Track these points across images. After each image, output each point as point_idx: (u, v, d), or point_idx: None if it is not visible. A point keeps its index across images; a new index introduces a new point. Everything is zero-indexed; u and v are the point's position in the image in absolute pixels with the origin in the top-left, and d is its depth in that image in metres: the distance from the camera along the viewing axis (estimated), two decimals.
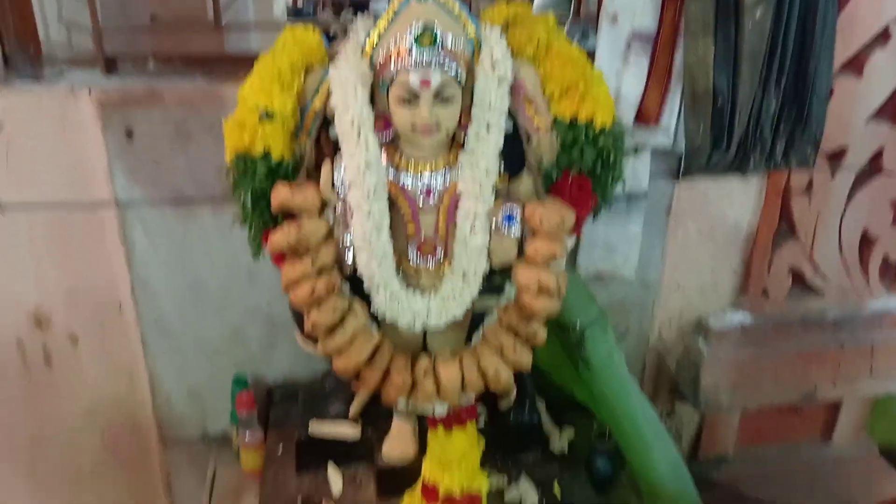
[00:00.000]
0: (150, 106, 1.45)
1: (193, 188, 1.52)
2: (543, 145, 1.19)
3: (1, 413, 1.71)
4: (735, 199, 1.70)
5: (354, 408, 1.50)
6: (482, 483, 1.35)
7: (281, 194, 1.14)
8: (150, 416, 1.76)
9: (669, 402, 1.97)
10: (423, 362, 1.24)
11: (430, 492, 1.35)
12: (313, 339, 1.24)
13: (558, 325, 1.53)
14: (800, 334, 1.81)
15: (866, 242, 1.80)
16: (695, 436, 2.02)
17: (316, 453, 1.50)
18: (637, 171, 1.57)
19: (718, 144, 1.52)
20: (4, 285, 1.57)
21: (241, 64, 1.19)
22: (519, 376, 1.54)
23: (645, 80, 1.48)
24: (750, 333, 1.80)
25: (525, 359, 1.24)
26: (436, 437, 1.34)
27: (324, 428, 1.51)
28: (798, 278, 1.81)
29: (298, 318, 1.35)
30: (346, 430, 1.50)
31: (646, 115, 1.50)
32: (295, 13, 3.08)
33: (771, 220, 1.71)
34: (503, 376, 1.24)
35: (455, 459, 1.33)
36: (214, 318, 1.66)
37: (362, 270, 1.17)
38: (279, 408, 1.70)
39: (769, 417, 1.95)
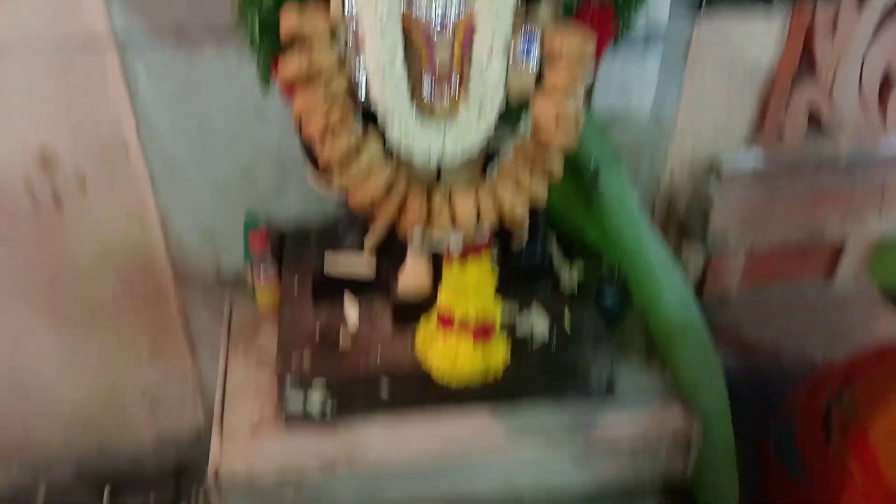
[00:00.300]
0: None
1: (197, 18, 1.44)
2: None
3: (17, 254, 1.73)
4: (757, 39, 1.63)
5: (369, 242, 1.51)
6: (496, 310, 1.38)
7: (290, 19, 1.08)
8: (164, 257, 1.78)
9: (677, 245, 1.99)
10: (440, 194, 1.23)
11: (445, 320, 1.38)
12: (326, 175, 1.23)
13: (572, 163, 1.51)
14: (812, 176, 1.79)
15: (887, 83, 1.75)
16: (700, 277, 2.06)
17: (332, 287, 1.53)
18: (657, 5, 1.50)
19: None
20: (7, 127, 1.54)
21: None
22: (531, 216, 1.56)
23: None
24: (762, 175, 1.79)
25: (541, 191, 1.23)
26: (450, 268, 1.35)
27: (339, 261, 1.52)
28: (814, 120, 1.78)
29: (310, 154, 1.33)
30: (361, 267, 1.52)
31: None
32: None
33: (792, 58, 1.65)
34: (518, 209, 1.24)
35: (470, 287, 1.35)
36: (223, 159, 1.64)
37: (375, 101, 1.13)
38: (292, 248, 1.71)
39: (774, 258, 1.98)
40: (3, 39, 1.44)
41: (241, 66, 1.16)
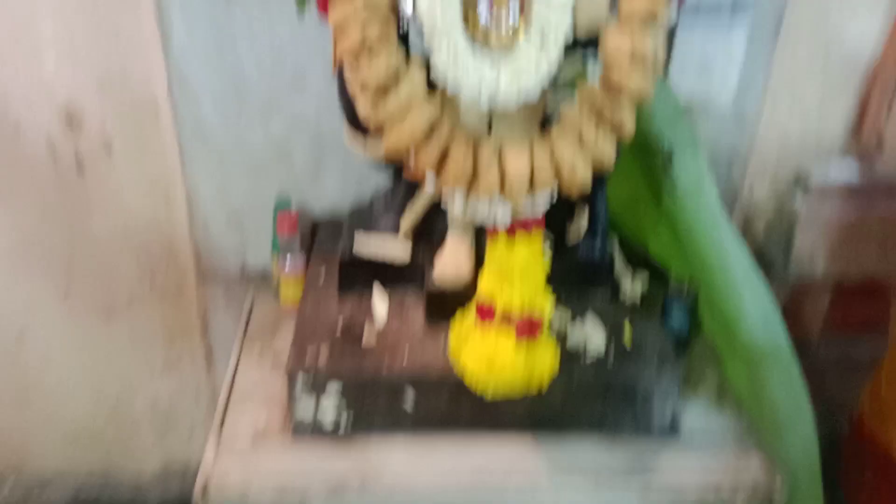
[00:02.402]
0: None
1: None
2: None
3: (34, 222, 1.61)
4: (859, 19, 1.45)
5: (406, 223, 1.34)
6: (546, 303, 1.18)
7: None
8: (188, 243, 1.65)
9: None
10: (488, 147, 1.06)
11: (485, 311, 1.18)
12: (360, 123, 1.08)
13: (642, 149, 1.34)
14: None
15: None
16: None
17: (360, 275, 1.36)
18: None
19: None
20: (33, 74, 1.44)
21: None
22: (592, 206, 1.38)
23: None
24: (857, 191, 1.58)
25: (608, 151, 1.05)
26: (495, 248, 1.16)
27: (371, 245, 1.36)
28: None
29: (349, 109, 1.19)
30: (395, 250, 1.35)
31: None
32: None
33: None
34: (580, 171, 1.06)
35: (516, 271, 1.16)
36: (258, 126, 1.51)
37: (422, 19, 0.99)
38: (323, 243, 1.55)
39: (866, 297, 1.74)
40: None
41: (280, 12, 1.03)
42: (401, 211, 1.36)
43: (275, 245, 1.52)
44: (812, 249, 1.61)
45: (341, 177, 1.56)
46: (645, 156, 1.34)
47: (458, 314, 1.24)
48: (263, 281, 1.65)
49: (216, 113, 1.49)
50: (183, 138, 1.51)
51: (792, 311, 1.79)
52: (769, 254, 1.68)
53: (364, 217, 1.44)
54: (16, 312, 1.72)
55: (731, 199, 1.65)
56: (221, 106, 1.48)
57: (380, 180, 1.44)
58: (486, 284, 1.19)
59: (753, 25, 1.41)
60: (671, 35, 1.41)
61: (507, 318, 1.16)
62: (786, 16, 1.44)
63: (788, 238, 1.61)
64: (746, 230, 1.70)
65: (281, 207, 1.53)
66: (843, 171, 1.58)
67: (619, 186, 1.41)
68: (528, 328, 1.15)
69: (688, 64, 1.43)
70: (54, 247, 1.64)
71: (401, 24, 1.01)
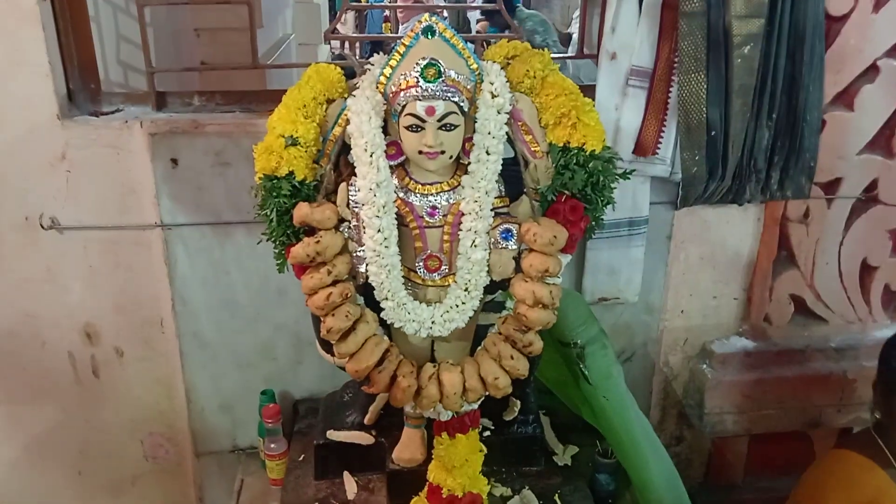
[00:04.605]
0: (193, 136, 1.62)
1: (231, 211, 1.68)
2: (540, 170, 1.31)
3: (55, 422, 1.86)
4: (734, 227, 1.79)
5: (370, 416, 1.61)
6: (482, 486, 1.45)
7: (302, 210, 1.27)
8: (186, 428, 1.90)
9: (679, 429, 2.03)
10: (429, 369, 1.36)
11: (434, 492, 1.45)
12: (329, 345, 1.36)
13: (561, 343, 1.63)
14: (803, 360, 1.86)
15: (867, 270, 1.86)
16: (706, 462, 2.08)
17: (333, 461, 1.61)
18: (637, 199, 1.68)
19: (714, 175, 1.63)
20: (61, 301, 1.73)
21: (275, 97, 1.33)
22: (523, 391, 1.66)
23: (643, 114, 1.60)
24: (754, 358, 1.86)
25: (522, 366, 1.34)
26: (441, 443, 1.44)
27: (340, 436, 1.62)
28: (801, 304, 1.88)
29: (318, 326, 1.48)
30: (361, 438, 1.61)
31: (644, 147, 1.61)
32: (338, 58, 3.29)
33: (770, 247, 1.79)
34: (501, 382, 1.34)
35: (458, 463, 1.43)
36: (247, 334, 1.80)
37: (372, 281, 1.30)
38: (302, 420, 1.83)
39: (778, 444, 1.99)
40: (67, 221, 1.66)
41: (265, 246, 1.33)
42: (367, 402, 1.63)
43: (261, 430, 1.77)
44: (722, 407, 1.86)
45: (317, 370, 1.84)
46: (563, 349, 1.62)
47: (416, 497, 1.49)
48: (251, 457, 1.89)
49: (212, 324, 1.78)
50: (183, 345, 1.79)
51: (717, 459, 2.06)
52: (689, 410, 1.95)
53: (337, 401, 1.71)
54: (38, 491, 1.94)
55: (650, 369, 1.94)
56: (216, 319, 1.78)
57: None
58: (434, 473, 1.46)
59: (649, 237, 1.73)
60: (581, 249, 1.73)
61: (451, 501, 1.43)
62: (674, 229, 1.77)
63: (701, 398, 1.87)
64: (668, 392, 1.97)
65: (266, 402, 1.78)
66: (740, 342, 1.87)
67: (548, 370, 1.69)
68: None
69: (598, 270, 1.75)
70: (71, 436, 1.88)
71: (358, 282, 1.31)
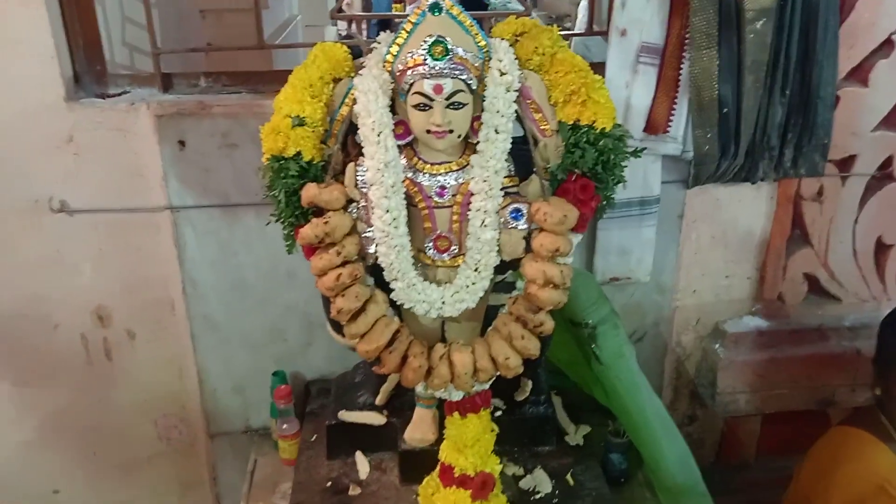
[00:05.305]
0: (200, 118, 1.61)
1: (238, 193, 1.68)
2: (550, 148, 1.29)
3: (67, 403, 1.88)
4: (747, 205, 1.77)
5: (381, 396, 1.61)
6: (494, 465, 1.44)
7: (310, 191, 1.26)
8: (199, 409, 1.91)
9: (691, 408, 2.02)
10: (439, 349, 1.35)
11: (446, 472, 1.45)
12: (339, 326, 1.36)
13: (573, 324, 1.62)
14: (817, 340, 1.85)
15: (882, 249, 1.84)
16: (718, 442, 2.07)
17: (345, 441, 1.62)
18: (649, 177, 1.66)
19: (726, 153, 1.60)
20: (71, 283, 1.74)
21: (281, 78, 1.32)
22: (534, 371, 1.65)
23: (653, 91, 1.58)
24: (767, 338, 1.85)
25: (533, 347, 1.34)
26: (452, 423, 1.44)
27: (352, 416, 1.62)
28: (814, 283, 1.86)
29: (328, 307, 1.47)
30: (373, 420, 1.61)
31: (655, 125, 1.59)
32: (346, 38, 3.27)
33: (783, 225, 1.77)
34: (512, 362, 1.34)
35: (469, 443, 1.43)
36: (257, 315, 1.80)
37: (382, 262, 1.29)
38: (314, 401, 1.84)
39: (790, 423, 1.98)
40: (77, 204, 1.67)
41: (272, 226, 1.33)
42: (378, 382, 1.63)
43: (273, 412, 1.78)
44: (734, 387, 1.86)
45: (328, 351, 1.85)
46: (575, 329, 1.62)
47: (428, 476, 1.49)
48: (264, 437, 1.90)
49: (222, 306, 1.79)
50: (194, 327, 1.80)
51: (729, 438, 2.05)
52: (701, 390, 1.94)
53: (348, 382, 1.71)
54: (52, 471, 1.96)
55: (662, 349, 1.93)
56: (226, 301, 1.78)
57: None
58: (446, 453, 1.46)
59: (660, 216, 1.72)
60: (592, 228, 1.72)
61: (463, 481, 1.43)
62: (685, 208, 1.75)
63: (714, 378, 1.86)
64: (681, 372, 1.96)
65: (277, 381, 1.79)
66: (753, 322, 1.86)
67: (560, 351, 1.68)
68: (481, 489, 1.42)
69: (609, 250, 1.74)
70: (84, 417, 1.90)
71: (367, 263, 1.31)
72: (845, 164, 1.75)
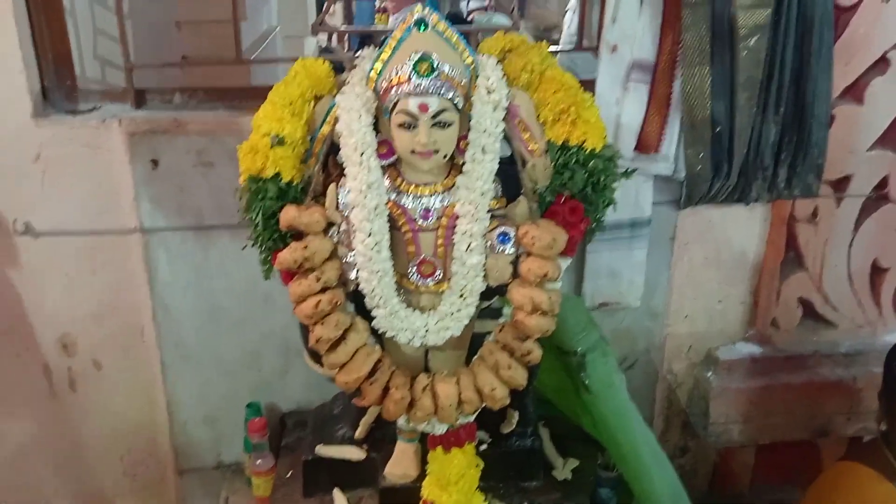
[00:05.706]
0: (174, 135, 1.54)
1: (214, 214, 1.60)
2: (538, 169, 1.24)
3: (28, 438, 1.78)
4: (740, 227, 1.72)
5: (361, 430, 1.54)
6: (479, 503, 1.38)
7: (289, 213, 1.20)
8: (168, 443, 1.82)
9: (683, 439, 1.96)
10: (422, 379, 1.29)
11: None
12: (318, 356, 1.29)
13: (561, 351, 1.56)
14: (812, 367, 1.80)
15: (877, 272, 1.80)
16: (711, 472, 2.01)
17: (323, 477, 1.54)
18: (640, 198, 1.62)
19: (719, 172, 1.56)
20: (35, 309, 1.65)
21: (260, 94, 1.25)
22: (521, 402, 1.58)
23: (645, 109, 1.53)
24: (761, 365, 1.80)
25: (520, 376, 1.27)
26: (435, 458, 1.38)
27: (330, 451, 1.54)
28: (809, 308, 1.81)
29: (306, 336, 1.40)
30: (352, 453, 1.54)
31: (646, 144, 1.55)
32: (325, 51, 3.20)
33: (777, 248, 1.73)
34: (498, 393, 1.28)
35: (453, 479, 1.36)
36: (231, 342, 1.72)
37: (363, 287, 1.22)
38: (290, 434, 1.75)
39: (785, 454, 1.93)
40: (42, 225, 1.59)
41: (250, 251, 1.26)
42: (358, 415, 1.56)
43: (247, 446, 1.69)
44: (727, 415, 1.80)
45: (306, 380, 1.76)
46: (563, 357, 1.55)
47: None
48: (236, 473, 1.79)
49: (194, 333, 1.70)
50: (165, 355, 1.71)
51: (722, 469, 1.99)
52: (692, 419, 1.88)
53: (326, 414, 1.64)
54: None
55: (653, 377, 1.87)
56: (199, 327, 1.70)
57: None
58: (428, 490, 1.39)
59: (651, 238, 1.67)
60: (581, 252, 1.66)
61: None
62: (677, 230, 1.70)
63: (706, 406, 1.80)
64: (672, 401, 1.90)
65: (251, 415, 1.69)
66: (746, 348, 1.80)
67: (548, 378, 1.62)
68: None
69: (599, 274, 1.68)
70: (46, 452, 1.80)
71: (348, 288, 1.24)
72: (840, 185, 1.71)
